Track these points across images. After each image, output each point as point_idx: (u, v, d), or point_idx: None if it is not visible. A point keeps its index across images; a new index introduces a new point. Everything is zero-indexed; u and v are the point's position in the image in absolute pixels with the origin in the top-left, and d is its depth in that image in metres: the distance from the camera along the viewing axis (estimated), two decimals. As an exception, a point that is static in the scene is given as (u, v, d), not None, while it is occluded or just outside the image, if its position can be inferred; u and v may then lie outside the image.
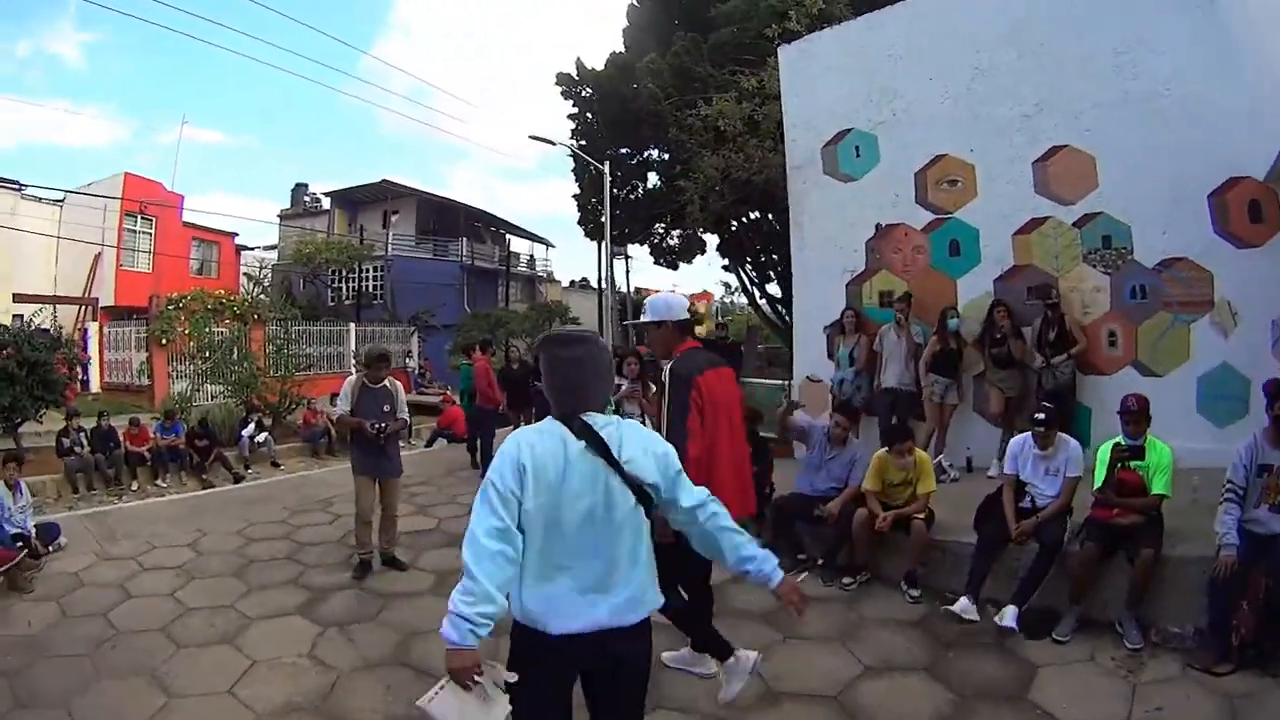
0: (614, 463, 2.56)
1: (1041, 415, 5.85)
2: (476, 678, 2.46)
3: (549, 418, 2.65)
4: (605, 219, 23.39)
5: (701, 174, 18.68)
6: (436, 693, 2.49)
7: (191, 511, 9.67)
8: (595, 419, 2.62)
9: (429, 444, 15.12)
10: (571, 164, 26.87)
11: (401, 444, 15.30)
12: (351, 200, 37.18)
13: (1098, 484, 5.48)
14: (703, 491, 2.76)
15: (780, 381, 12.46)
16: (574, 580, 2.53)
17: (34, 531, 7.62)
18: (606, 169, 22.92)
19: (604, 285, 26.65)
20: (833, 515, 6.57)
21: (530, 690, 2.56)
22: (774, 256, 24.89)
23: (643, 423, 7.34)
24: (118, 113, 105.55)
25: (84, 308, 25.38)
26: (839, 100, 10.09)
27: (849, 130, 9.98)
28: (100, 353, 23.24)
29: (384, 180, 34.15)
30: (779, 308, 25.54)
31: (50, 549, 7.67)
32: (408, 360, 25.83)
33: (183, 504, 10.28)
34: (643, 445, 2.66)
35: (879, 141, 9.74)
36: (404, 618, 6.15)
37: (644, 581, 2.65)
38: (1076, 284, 8.38)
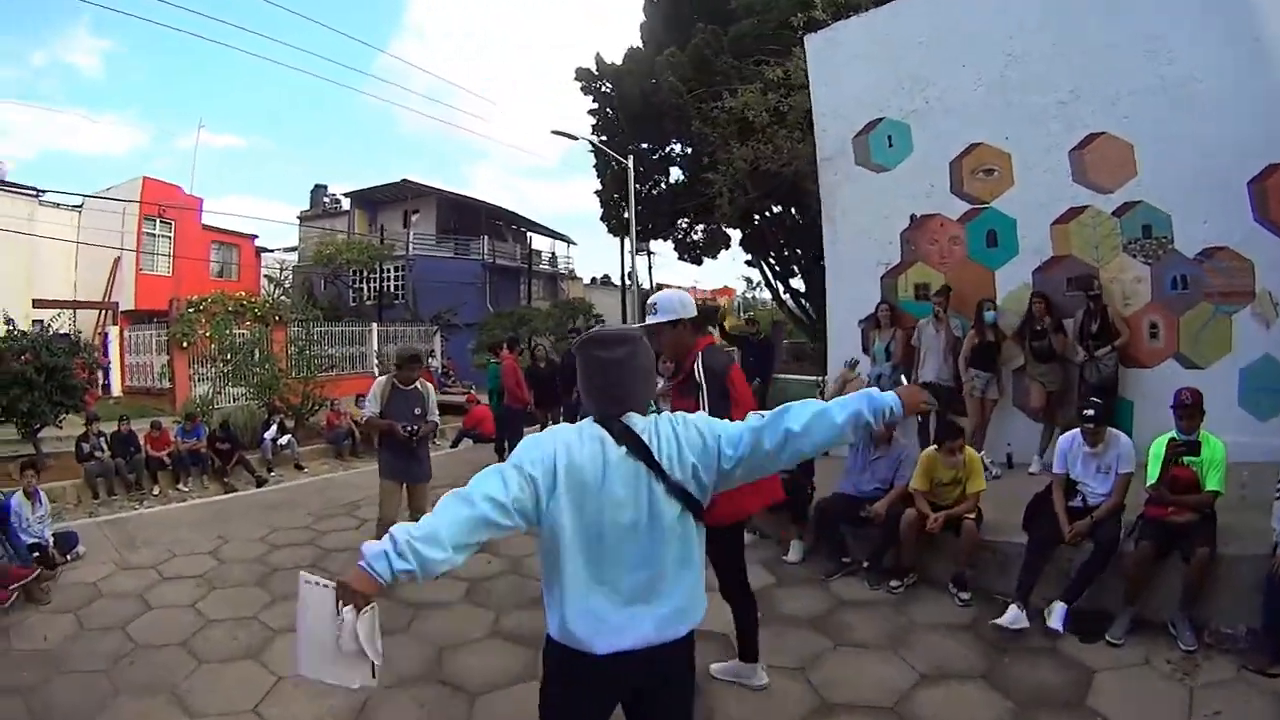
0: (655, 466, 2.36)
1: (1090, 411, 5.68)
2: (363, 610, 2.14)
3: (588, 420, 2.45)
4: (630, 214, 23.16)
5: (730, 166, 18.45)
6: (320, 585, 2.20)
7: (213, 517, 9.45)
8: (635, 421, 2.43)
9: (454, 444, 14.83)
10: (593, 160, 26.72)
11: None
12: (371, 200, 37.06)
13: (1152, 480, 5.31)
14: (764, 420, 2.46)
15: (814, 378, 12.29)
16: (619, 594, 2.34)
17: (51, 541, 7.42)
18: (630, 163, 22.61)
19: (629, 281, 26.27)
20: (880, 516, 6.36)
21: (573, 716, 2.44)
22: (797, 251, 24.73)
23: None
24: (135, 119, 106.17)
25: (104, 312, 25.22)
26: (869, 89, 9.95)
27: (880, 119, 9.83)
28: (121, 356, 23.10)
29: (404, 180, 34.08)
30: (803, 302, 25.36)
31: (68, 558, 7.44)
32: (431, 360, 25.28)
33: (204, 509, 10.09)
34: (683, 440, 2.43)
35: (912, 131, 9.57)
36: (436, 629, 5.87)
37: (692, 591, 2.47)
38: (1117, 274, 8.19)
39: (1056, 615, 5.08)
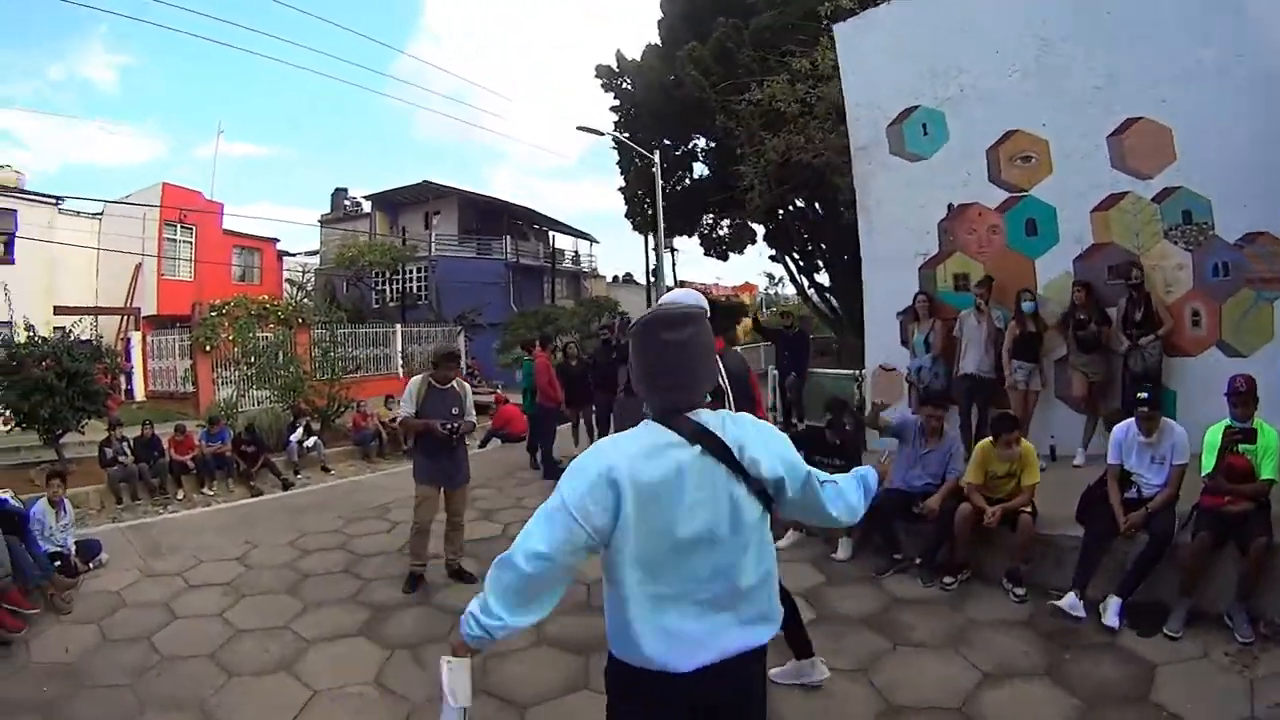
0: (736, 466, 2.10)
1: (1144, 394, 5.64)
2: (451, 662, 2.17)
3: (648, 423, 2.14)
4: (658, 208, 22.95)
5: (762, 158, 18.45)
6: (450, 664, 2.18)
7: (240, 521, 9.19)
8: (704, 416, 2.14)
9: (482, 445, 14.51)
10: (615, 158, 27.07)
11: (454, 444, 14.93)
12: (392, 203, 37.09)
13: (1207, 469, 5.24)
14: (828, 483, 2.41)
15: (851, 371, 11.97)
16: (698, 606, 2.10)
17: (74, 549, 7.16)
18: (657, 157, 22.33)
19: (657, 277, 26.06)
20: (933, 511, 6.24)
21: None
22: (821, 245, 24.73)
23: None
24: (153, 130, 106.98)
25: (126, 318, 25.22)
26: (901, 77, 9.74)
27: (915, 108, 9.62)
28: (143, 361, 23.05)
29: (425, 181, 34.00)
30: (828, 297, 25.36)
31: (90, 566, 7.17)
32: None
33: (230, 513, 9.81)
34: (764, 441, 2.21)
35: (946, 118, 9.37)
36: None
37: (772, 596, 2.25)
38: (1159, 261, 8.01)
39: (1112, 610, 5.04)
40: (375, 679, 4.98)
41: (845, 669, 4.69)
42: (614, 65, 26.40)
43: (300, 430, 13.38)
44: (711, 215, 26.56)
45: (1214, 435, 5.23)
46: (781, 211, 23.61)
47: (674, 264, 33.77)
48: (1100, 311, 7.94)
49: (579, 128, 23.19)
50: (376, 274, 32.90)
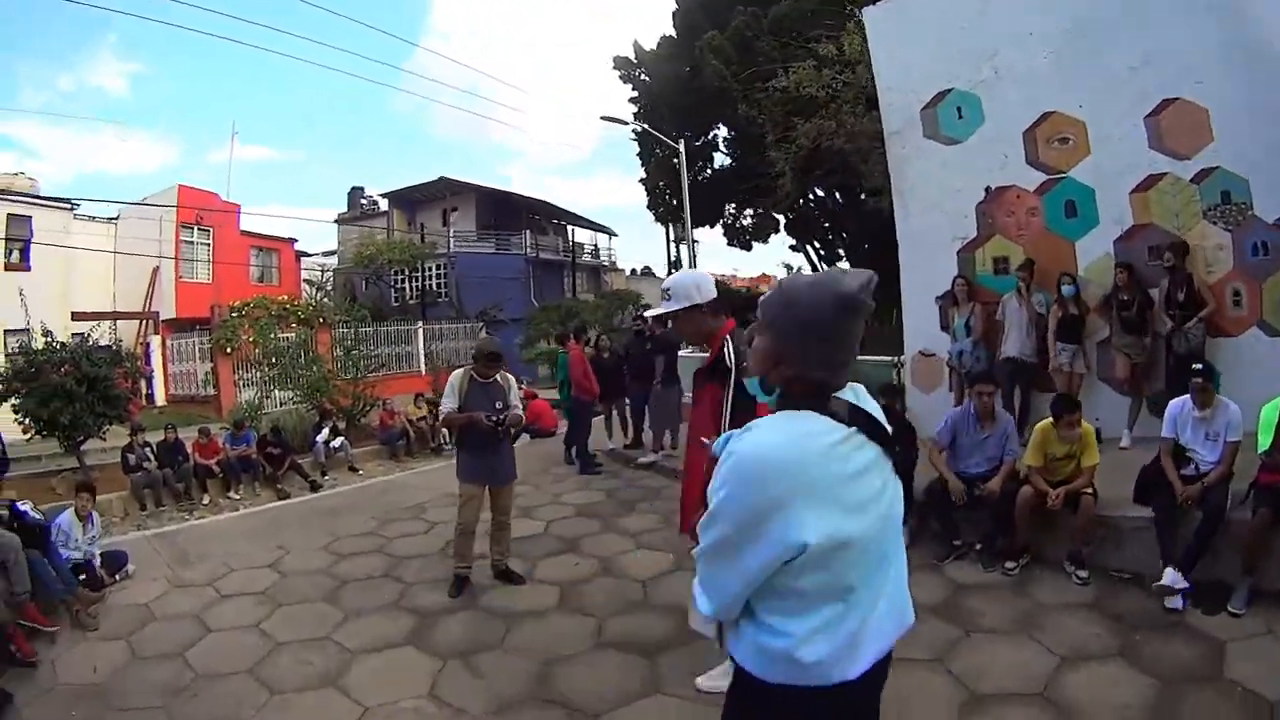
0: (890, 447, 1.94)
1: (1199, 365, 5.79)
2: None
3: (790, 413, 1.89)
4: (684, 198, 22.61)
5: (793, 144, 18.37)
6: None
7: (269, 526, 8.88)
8: (859, 395, 1.97)
9: (512, 441, 14.18)
10: (634, 150, 27.32)
11: None
12: (409, 200, 36.92)
13: (1264, 447, 5.15)
14: None
15: (888, 358, 11.62)
16: (867, 602, 1.88)
17: (99, 561, 6.83)
18: (682, 146, 21.94)
19: (679, 269, 25.75)
20: (994, 494, 6.11)
21: None
22: (843, 234, 24.62)
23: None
24: (166, 135, 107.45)
25: (145, 322, 25.06)
26: (934, 60, 9.65)
27: (949, 90, 9.54)
28: (164, 365, 22.95)
29: (442, 177, 33.81)
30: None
31: (116, 578, 6.82)
32: None
33: (259, 518, 9.51)
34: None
35: (982, 101, 9.30)
36: (535, 641, 5.28)
37: (906, 578, 2.09)
38: (1199, 242, 7.92)
39: (1175, 588, 5.00)
40: (429, 692, 4.63)
41: (922, 659, 4.53)
42: (631, 57, 26.24)
43: (326, 431, 13.06)
44: (734, 205, 26.37)
45: (1271, 412, 5.18)
46: (801, 201, 23.43)
47: (693, 255, 33.42)
48: (1143, 293, 7.90)
49: (603, 118, 23.18)
50: (396, 272, 32.76)
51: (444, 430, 14.25)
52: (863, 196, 21.86)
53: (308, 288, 27.55)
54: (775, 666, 1.85)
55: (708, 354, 4.11)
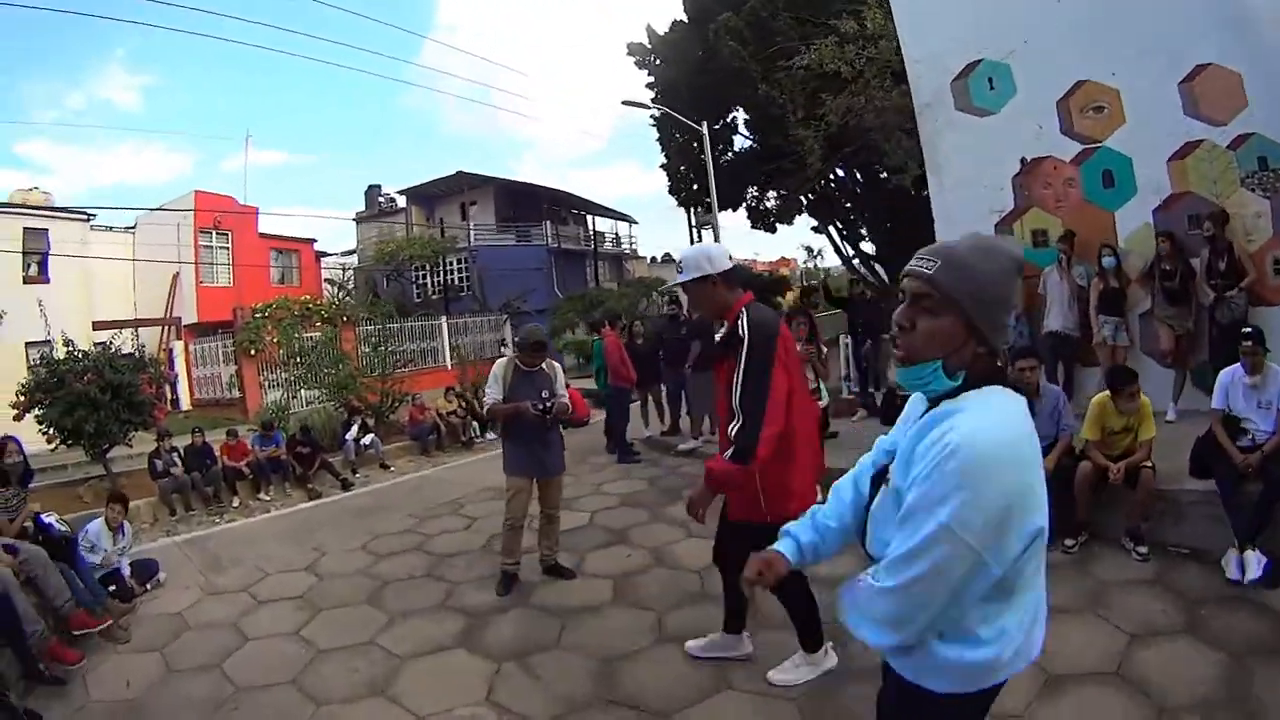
0: None
1: (1249, 329, 5.73)
2: None
3: (1000, 389, 1.80)
4: (710, 180, 22.72)
5: (822, 120, 18.42)
6: None
7: (302, 527, 8.63)
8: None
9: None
10: (654, 136, 27.09)
11: None
12: (427, 196, 36.68)
13: None
14: None
15: None
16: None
17: (129, 571, 6.56)
18: (705, 128, 22.10)
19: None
20: (1048, 470, 5.63)
21: None
22: (865, 214, 24.41)
23: (819, 387, 7.22)
24: (179, 146, 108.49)
25: (167, 328, 25.04)
26: (962, 31, 9.64)
27: (979, 61, 9.52)
28: (188, 370, 22.94)
29: (459, 172, 33.59)
30: (874, 266, 26.00)
31: (147, 587, 6.55)
32: (503, 349, 24.87)
33: (291, 519, 9.25)
34: None
35: (1013, 71, 9.27)
36: (593, 639, 5.00)
37: None
38: (1238, 210, 7.83)
39: (1233, 564, 4.93)
40: (486, 697, 4.33)
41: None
42: (646, 42, 25.98)
43: (355, 428, 12.78)
44: (756, 188, 26.14)
45: None
46: (821, 183, 23.66)
47: (716, 240, 33.21)
48: (1185, 263, 7.80)
49: (624, 102, 23.04)
50: (417, 268, 32.56)
51: (475, 424, 14.03)
52: (883, 175, 21.86)
53: (329, 287, 27.38)
54: (974, 676, 1.77)
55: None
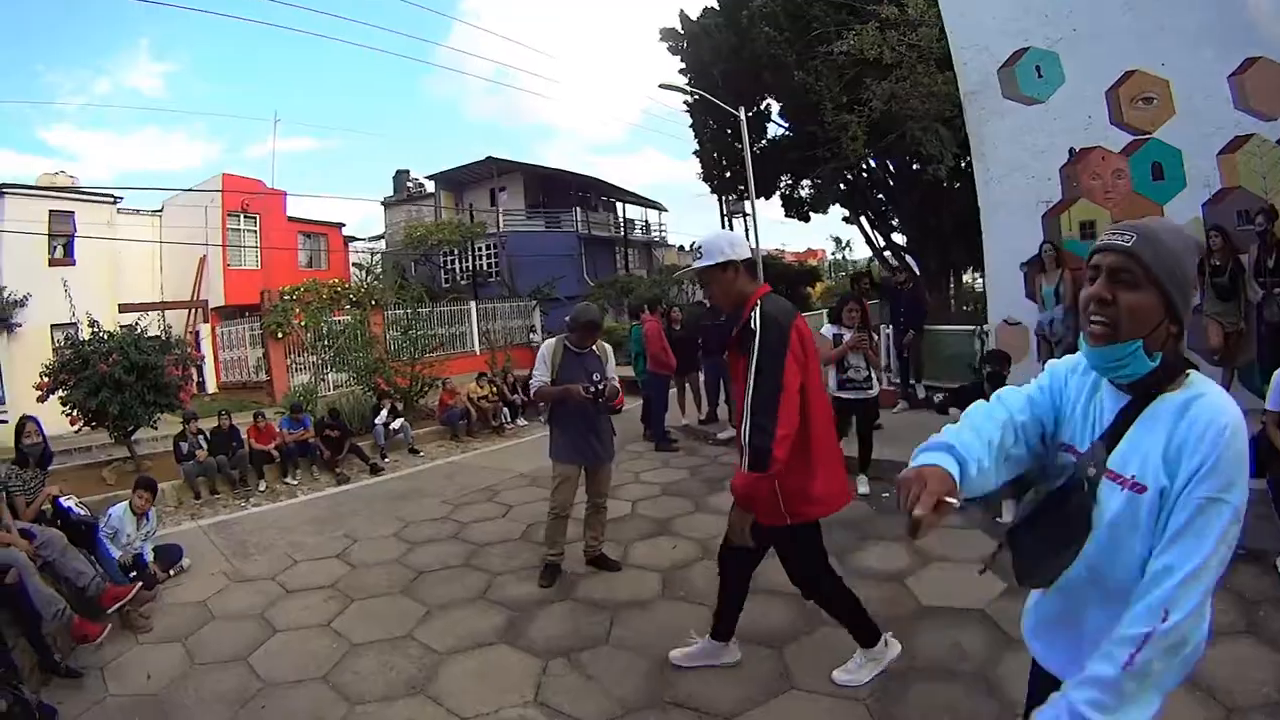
0: None
1: None
2: None
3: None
4: (748, 166, 22.41)
5: (866, 105, 18.40)
6: None
7: (331, 513, 8.37)
8: None
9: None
10: (688, 121, 27.32)
11: (543, 420, 14.04)
12: (456, 181, 36.47)
13: None
14: None
15: (969, 327, 11.33)
16: None
17: (151, 556, 6.29)
18: (742, 113, 21.80)
19: (751, 238, 25.26)
20: None
21: None
22: (896, 205, 25.72)
23: (870, 376, 7.13)
24: (205, 133, 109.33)
25: (194, 311, 24.88)
26: (1009, 17, 9.53)
27: (1026, 49, 9.43)
28: (214, 352, 22.82)
29: (489, 157, 33.35)
30: (904, 256, 26.05)
31: (170, 573, 6.26)
32: (532, 336, 24.79)
33: (320, 504, 8.99)
34: None
35: (1061, 59, 9.16)
36: (644, 635, 4.65)
37: None
38: None
39: None
40: (535, 698, 4.00)
41: None
42: (679, 27, 25.75)
43: (385, 413, 12.50)
44: (790, 176, 25.89)
45: None
46: (851, 174, 23.91)
47: (747, 229, 32.89)
48: (1235, 259, 7.58)
49: (661, 85, 22.84)
50: (445, 253, 32.49)
51: (506, 410, 13.75)
52: (915, 166, 21.99)
53: (357, 271, 27.21)
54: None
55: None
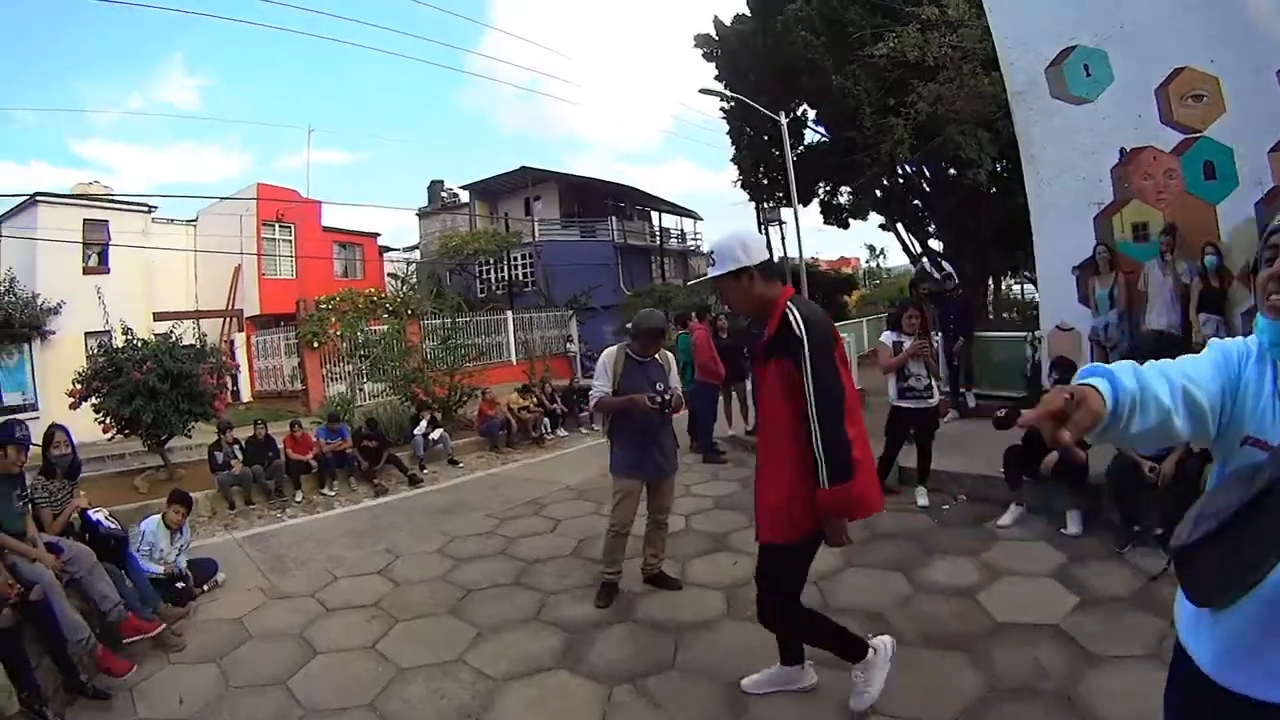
0: None
1: None
2: None
3: None
4: (788, 171, 22.39)
5: (913, 108, 17.94)
6: None
7: (371, 525, 8.08)
8: None
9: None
10: (725, 128, 26.85)
11: (584, 430, 13.69)
12: (491, 191, 36.50)
13: None
14: None
15: (1022, 334, 11.08)
16: None
17: (185, 568, 6.03)
18: (783, 118, 21.75)
19: (789, 245, 25.12)
20: (1168, 477, 5.55)
21: None
22: (934, 211, 25.19)
23: (930, 384, 6.91)
24: (239, 146, 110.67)
25: (228, 319, 24.95)
26: (1056, 16, 9.33)
27: (1073, 47, 9.18)
28: (249, 361, 22.70)
29: (523, 167, 33.37)
30: (941, 263, 25.34)
31: (205, 588, 5.97)
32: (569, 345, 24.85)
33: (358, 517, 8.70)
34: None
35: (1109, 57, 8.90)
36: (713, 658, 4.35)
37: None
38: None
39: None
40: (602, 729, 3.62)
41: (1139, 655, 3.96)
42: (713, 33, 25.58)
43: (424, 423, 12.24)
44: (828, 183, 25.61)
45: None
46: (886, 180, 23.50)
47: (783, 237, 32.61)
48: None
49: (701, 90, 22.62)
50: (480, 263, 32.47)
51: (546, 420, 13.46)
52: (952, 172, 21.63)
53: (392, 281, 27.19)
54: None
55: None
